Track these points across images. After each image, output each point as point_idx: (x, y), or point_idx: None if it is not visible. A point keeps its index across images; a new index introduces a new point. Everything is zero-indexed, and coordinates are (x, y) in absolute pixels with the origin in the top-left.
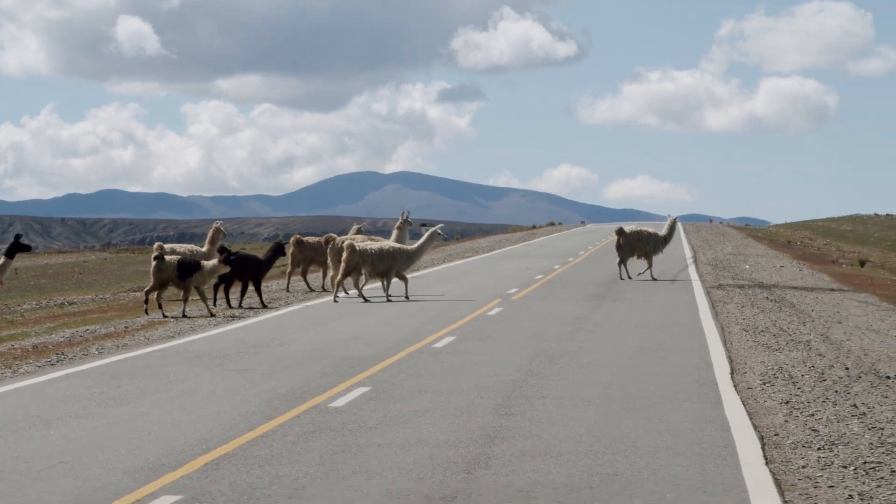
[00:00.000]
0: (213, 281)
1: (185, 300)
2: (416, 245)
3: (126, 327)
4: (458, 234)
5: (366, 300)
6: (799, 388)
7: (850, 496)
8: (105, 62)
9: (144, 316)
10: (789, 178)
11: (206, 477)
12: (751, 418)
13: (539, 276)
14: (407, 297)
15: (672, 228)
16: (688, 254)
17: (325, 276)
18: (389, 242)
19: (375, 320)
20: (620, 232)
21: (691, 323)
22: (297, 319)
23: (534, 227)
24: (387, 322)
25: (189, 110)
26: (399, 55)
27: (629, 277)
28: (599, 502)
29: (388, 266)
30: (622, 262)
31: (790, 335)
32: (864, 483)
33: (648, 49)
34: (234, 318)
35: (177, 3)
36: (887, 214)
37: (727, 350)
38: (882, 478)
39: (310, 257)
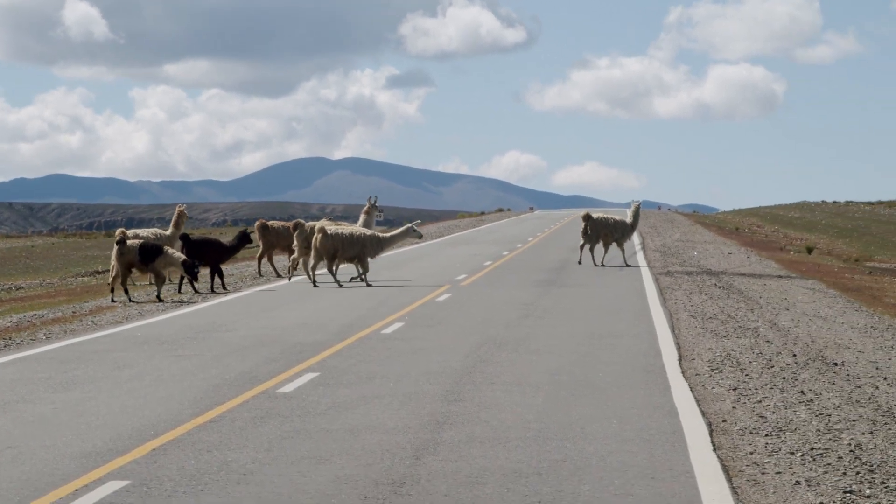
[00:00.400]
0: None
1: (159, 284)
2: (388, 235)
3: (74, 312)
4: (406, 220)
5: (315, 285)
6: (747, 375)
7: (798, 482)
8: (53, 46)
9: (92, 301)
10: (737, 165)
11: (153, 462)
12: (699, 405)
13: (488, 263)
14: (367, 283)
15: (636, 215)
16: (636, 240)
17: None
18: (360, 228)
19: (324, 306)
20: (588, 218)
21: (640, 309)
22: (246, 305)
23: (482, 213)
24: (335, 308)
25: (137, 95)
26: (347, 41)
27: (596, 265)
28: (548, 488)
29: (358, 252)
30: (584, 246)
31: (738, 322)
32: (811, 469)
33: (597, 36)
34: (181, 303)
35: None
36: (834, 202)
37: (675, 337)
38: (829, 464)
39: (272, 242)
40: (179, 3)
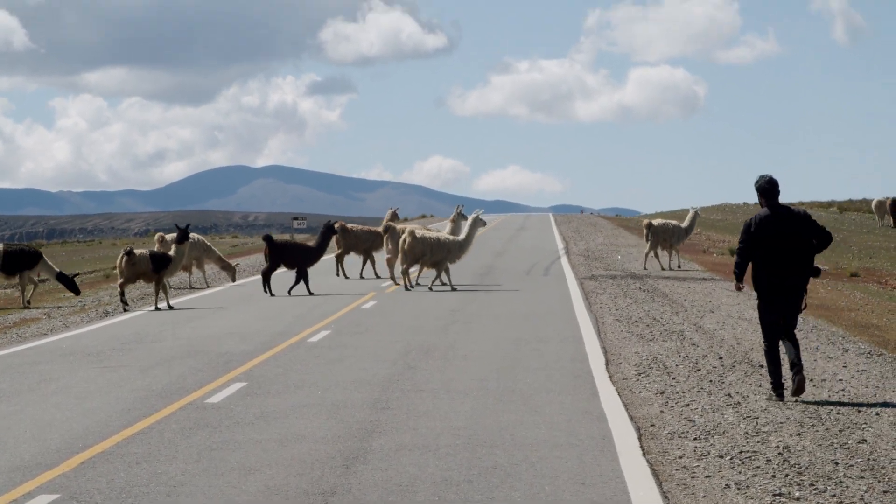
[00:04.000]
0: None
1: (157, 292)
2: (464, 235)
3: None
4: None
5: (407, 288)
6: (674, 379)
7: (727, 486)
8: None
9: (19, 313)
10: (659, 167)
11: (83, 475)
12: (627, 409)
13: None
14: (452, 287)
15: (693, 221)
16: (559, 245)
17: (364, 263)
18: (446, 235)
19: (250, 315)
20: (649, 226)
21: (565, 314)
22: (172, 315)
23: (406, 219)
24: (261, 317)
25: (58, 104)
26: (268, 47)
27: (662, 269)
28: (479, 495)
29: (442, 256)
30: (649, 253)
31: (663, 325)
32: (740, 472)
33: (517, 39)
34: (106, 314)
35: None
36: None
37: (602, 341)
38: (758, 467)
39: (351, 244)
40: (99, 11)
